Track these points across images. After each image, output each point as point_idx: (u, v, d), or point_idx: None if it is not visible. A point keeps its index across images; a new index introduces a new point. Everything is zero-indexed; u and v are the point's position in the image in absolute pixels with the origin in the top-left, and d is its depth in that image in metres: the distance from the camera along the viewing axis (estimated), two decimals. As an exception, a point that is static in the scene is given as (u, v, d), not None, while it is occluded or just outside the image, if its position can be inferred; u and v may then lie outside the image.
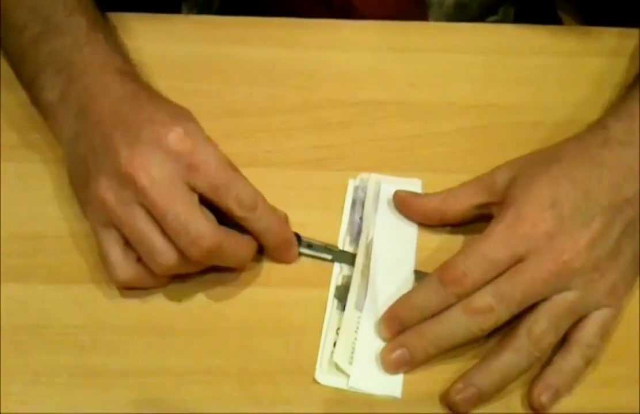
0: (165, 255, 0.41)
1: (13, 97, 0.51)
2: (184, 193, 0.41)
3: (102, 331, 0.42)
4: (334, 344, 0.42)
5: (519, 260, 0.41)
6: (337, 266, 0.45)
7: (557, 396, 0.40)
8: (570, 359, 0.41)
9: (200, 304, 0.43)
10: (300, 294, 0.44)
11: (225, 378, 0.41)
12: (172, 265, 0.41)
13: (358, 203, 0.48)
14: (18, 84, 0.50)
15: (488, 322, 0.40)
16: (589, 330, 0.41)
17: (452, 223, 0.46)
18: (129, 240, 0.42)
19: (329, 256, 0.45)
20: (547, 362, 0.41)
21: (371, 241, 0.46)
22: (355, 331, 0.42)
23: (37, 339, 0.42)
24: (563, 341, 0.41)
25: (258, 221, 0.43)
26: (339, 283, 0.44)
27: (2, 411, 0.39)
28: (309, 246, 0.45)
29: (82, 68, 0.46)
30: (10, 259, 0.45)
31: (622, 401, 0.41)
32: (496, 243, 0.41)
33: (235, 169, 0.43)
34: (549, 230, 0.41)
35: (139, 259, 0.42)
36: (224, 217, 0.42)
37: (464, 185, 0.46)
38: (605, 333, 0.42)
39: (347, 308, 0.43)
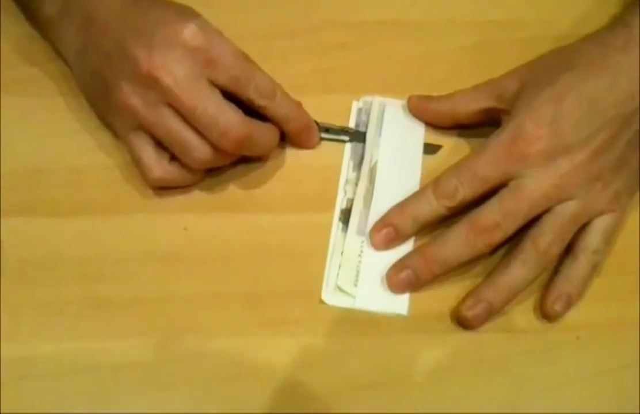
0: (199, 149, 0.41)
1: (12, 30, 0.50)
2: (207, 89, 0.41)
3: (108, 262, 0.42)
4: (339, 266, 0.42)
5: (511, 177, 0.41)
6: (341, 190, 0.45)
7: (569, 303, 0.41)
8: (578, 266, 0.41)
9: (205, 231, 0.43)
10: (306, 218, 0.44)
11: (233, 302, 0.41)
12: (207, 159, 0.42)
13: (361, 126, 0.47)
14: (18, 17, 0.49)
15: (494, 238, 0.41)
16: (593, 237, 0.41)
17: (462, 124, 0.47)
18: (161, 140, 0.42)
19: (347, 138, 0.47)
20: (555, 272, 0.42)
21: (375, 164, 0.45)
22: (359, 255, 0.43)
23: (44, 272, 0.42)
24: (568, 250, 0.42)
25: (278, 108, 0.43)
26: (344, 206, 0.45)
27: (13, 344, 0.40)
28: (327, 130, 0.47)
29: None
30: (11, 194, 0.44)
31: (623, 313, 0.42)
32: (489, 160, 0.41)
33: (250, 60, 0.43)
34: (545, 148, 0.41)
35: (172, 158, 0.43)
36: (241, 110, 0.43)
37: (476, 88, 0.46)
38: (609, 238, 0.42)
39: (349, 233, 0.43)
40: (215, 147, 0.41)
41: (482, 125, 0.46)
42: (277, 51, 0.50)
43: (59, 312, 0.41)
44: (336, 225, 0.44)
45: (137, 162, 0.43)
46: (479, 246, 0.41)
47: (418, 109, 0.47)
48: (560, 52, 0.45)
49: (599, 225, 0.41)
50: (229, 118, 0.41)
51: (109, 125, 0.45)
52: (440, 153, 0.47)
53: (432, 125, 0.47)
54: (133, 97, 0.41)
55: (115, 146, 0.46)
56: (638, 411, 0.39)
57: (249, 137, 0.42)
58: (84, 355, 0.40)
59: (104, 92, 0.43)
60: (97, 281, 0.42)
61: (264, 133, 0.43)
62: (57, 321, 0.41)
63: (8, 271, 0.42)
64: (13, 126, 0.47)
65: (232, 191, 0.45)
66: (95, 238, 0.43)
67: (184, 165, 0.43)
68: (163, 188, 0.44)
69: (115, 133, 0.45)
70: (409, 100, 0.48)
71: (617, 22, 0.44)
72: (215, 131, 0.41)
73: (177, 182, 0.44)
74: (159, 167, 0.43)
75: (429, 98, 0.47)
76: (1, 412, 0.38)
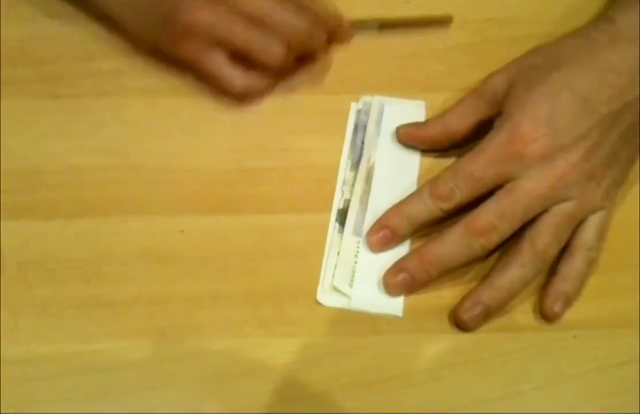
0: (275, 45, 0.44)
1: (12, 30, 0.50)
2: None
3: (107, 263, 0.43)
4: (335, 266, 0.42)
5: (508, 178, 0.41)
6: (338, 190, 0.45)
7: (568, 302, 0.41)
8: (575, 264, 0.41)
9: (202, 232, 0.44)
10: (303, 219, 0.44)
11: (231, 303, 0.41)
12: (284, 54, 0.45)
13: (360, 127, 0.47)
14: (18, 17, 0.50)
15: (491, 241, 0.41)
16: (588, 234, 0.42)
17: (459, 142, 0.46)
18: (237, 47, 0.44)
19: (375, 25, 0.50)
20: (551, 272, 0.42)
21: (373, 165, 0.46)
22: (355, 256, 0.43)
23: (42, 274, 0.42)
24: (563, 249, 0.42)
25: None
26: (340, 207, 0.45)
27: (13, 345, 0.40)
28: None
29: None
30: (10, 195, 0.44)
31: (621, 309, 0.42)
32: (486, 162, 0.41)
33: None
34: (541, 149, 0.40)
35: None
36: None
37: (464, 101, 0.45)
38: (603, 234, 0.42)
39: (345, 234, 0.43)
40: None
41: (478, 137, 0.44)
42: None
43: (58, 313, 0.41)
44: (333, 225, 0.44)
45: (217, 79, 0.45)
46: (476, 248, 0.41)
47: (409, 138, 0.46)
48: (546, 49, 0.44)
49: (593, 222, 0.42)
50: (293, 16, 0.44)
51: (178, 55, 0.46)
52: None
53: (428, 150, 0.46)
54: (204, 12, 0.43)
55: (113, 147, 0.46)
56: (637, 408, 0.39)
57: (311, 33, 0.45)
58: (83, 356, 0.40)
59: (170, 18, 0.44)
60: (96, 282, 0.42)
61: (318, 31, 0.47)
62: (57, 322, 0.41)
63: (7, 272, 0.42)
64: (12, 127, 0.47)
65: (229, 192, 0.45)
66: (93, 239, 0.43)
67: (259, 70, 0.45)
68: (244, 99, 0.46)
69: (186, 61, 0.46)
70: (397, 131, 0.46)
71: (600, 17, 0.44)
72: (286, 28, 0.44)
73: (257, 87, 0.46)
74: (241, 76, 0.45)
75: (417, 125, 0.46)
76: (1, 412, 0.38)
